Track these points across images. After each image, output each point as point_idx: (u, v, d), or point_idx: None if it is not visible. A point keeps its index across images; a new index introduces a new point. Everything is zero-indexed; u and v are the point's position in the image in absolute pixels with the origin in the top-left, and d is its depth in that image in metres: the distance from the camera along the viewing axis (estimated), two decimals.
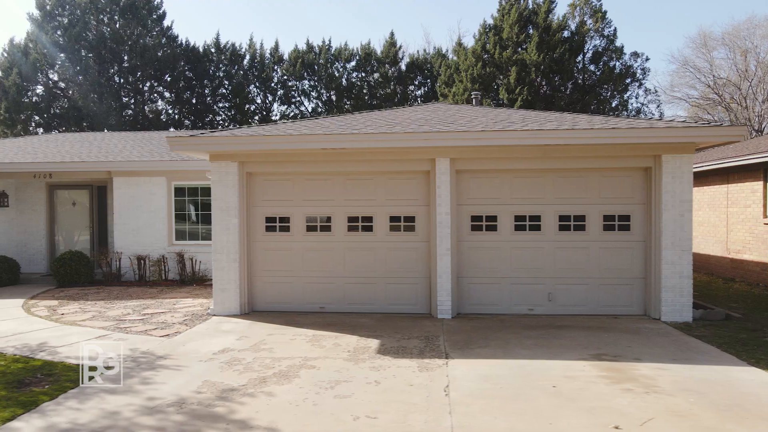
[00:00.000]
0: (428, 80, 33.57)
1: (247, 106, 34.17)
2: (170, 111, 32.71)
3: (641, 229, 8.77)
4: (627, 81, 25.65)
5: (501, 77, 25.36)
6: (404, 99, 33.90)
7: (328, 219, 9.29)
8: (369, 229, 9.24)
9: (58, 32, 28.29)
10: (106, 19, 29.96)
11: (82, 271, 12.79)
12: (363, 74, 33.47)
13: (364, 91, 32.97)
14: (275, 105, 34.89)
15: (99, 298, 10.96)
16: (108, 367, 6.16)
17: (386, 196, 9.16)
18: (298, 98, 34.14)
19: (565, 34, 25.74)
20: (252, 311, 9.23)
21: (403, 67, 33.35)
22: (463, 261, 9.00)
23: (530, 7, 26.78)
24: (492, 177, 8.99)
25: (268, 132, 8.83)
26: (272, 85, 34.08)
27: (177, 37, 33.25)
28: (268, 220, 9.36)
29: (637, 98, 26.13)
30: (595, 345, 6.93)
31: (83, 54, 28.46)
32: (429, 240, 9.06)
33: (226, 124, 34.32)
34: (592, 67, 26.03)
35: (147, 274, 13.07)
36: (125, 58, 29.89)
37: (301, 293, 9.30)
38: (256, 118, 34.59)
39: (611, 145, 8.42)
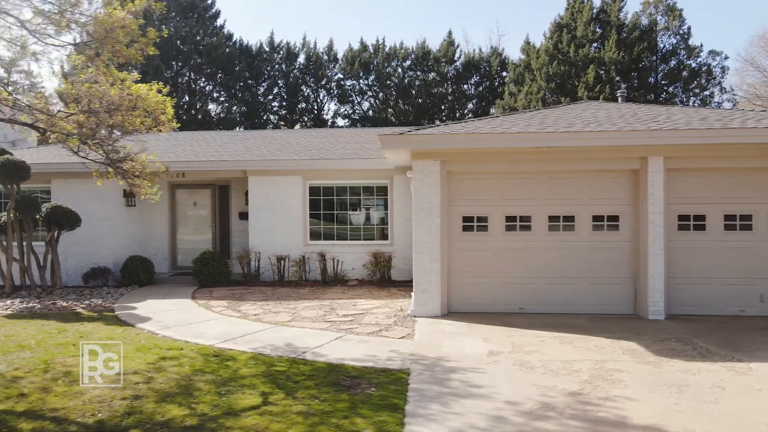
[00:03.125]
0: (485, 79, 33.39)
1: (303, 104, 34.09)
2: (231, 110, 32.55)
3: None
4: (701, 80, 25.41)
5: (575, 76, 25.17)
6: (460, 98, 33.74)
7: (528, 218, 9.14)
8: (570, 228, 9.08)
9: None
10: (169, 18, 29.91)
11: (223, 271, 12.67)
12: (419, 73, 33.28)
13: (422, 90, 32.76)
14: (330, 104, 34.86)
15: (260, 299, 10.82)
16: (404, 370, 6.02)
17: (589, 194, 9.00)
18: (355, 97, 34.00)
19: (637, 32, 25.53)
20: (449, 312, 9.08)
21: (460, 66, 33.16)
22: (671, 261, 8.83)
23: (598, 5, 26.64)
24: (701, 175, 8.82)
25: (483, 130, 8.68)
26: (328, 84, 33.98)
27: (232, 36, 33.27)
28: (465, 219, 9.21)
29: (712, 97, 25.91)
30: None
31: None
32: (635, 239, 8.90)
33: (282, 124, 34.25)
34: (665, 66, 25.81)
35: (287, 275, 12.94)
36: (189, 57, 29.84)
37: (500, 293, 9.14)
38: (310, 117, 34.52)
39: None
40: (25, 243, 11.66)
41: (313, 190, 13.39)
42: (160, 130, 8.57)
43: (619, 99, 13.09)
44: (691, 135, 8.24)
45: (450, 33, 32.97)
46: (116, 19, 6.53)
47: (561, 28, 26.32)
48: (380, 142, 8.58)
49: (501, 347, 6.94)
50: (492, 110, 31.81)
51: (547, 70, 25.12)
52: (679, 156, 8.62)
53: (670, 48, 25.78)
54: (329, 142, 14.94)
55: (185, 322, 8.71)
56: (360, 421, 4.57)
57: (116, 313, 9.51)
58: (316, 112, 34.81)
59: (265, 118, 34.17)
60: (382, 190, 13.25)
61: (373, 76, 33.34)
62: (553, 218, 9.10)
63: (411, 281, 12.59)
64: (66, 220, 11.77)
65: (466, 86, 34.00)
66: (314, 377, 5.78)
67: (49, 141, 7.61)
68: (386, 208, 13.21)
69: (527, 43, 28.07)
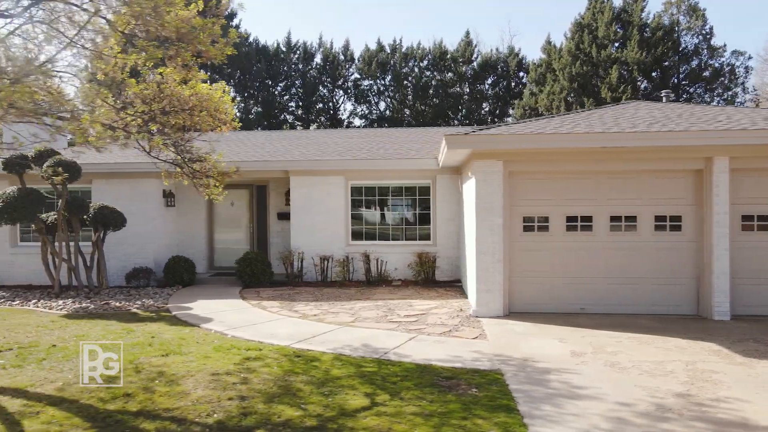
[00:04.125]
0: (502, 79, 33.33)
1: (319, 104, 34.08)
2: (249, 110, 32.58)
3: None
4: (724, 80, 25.36)
5: (597, 76, 25.14)
6: (478, 98, 33.69)
7: (589, 218, 9.11)
8: (632, 228, 9.06)
9: None
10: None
11: (266, 272, 12.65)
12: (436, 73, 33.23)
13: (439, 90, 32.73)
14: (347, 104, 34.87)
15: (311, 299, 10.78)
16: (496, 371, 6.00)
17: (651, 194, 8.98)
18: (372, 97, 33.98)
19: (660, 32, 25.50)
20: (510, 312, 9.05)
21: (476, 66, 33.10)
22: (734, 261, 8.79)
23: (619, 5, 26.59)
24: (763, 175, 8.79)
25: (547, 130, 8.66)
26: (345, 84, 33.97)
27: (249, 35, 33.31)
28: (526, 219, 9.19)
29: (735, 97, 25.86)
30: None
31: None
32: (697, 240, 8.88)
33: (299, 124, 34.24)
34: (687, 66, 25.78)
35: (330, 275, 12.92)
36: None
37: (560, 294, 9.12)
38: (326, 117, 34.50)
39: None
40: (72, 243, 11.67)
41: (355, 190, 13.38)
42: (222, 130, 8.57)
43: (664, 99, 13.06)
44: (760, 135, 8.21)
45: (468, 33, 32.92)
46: (193, 17, 6.52)
47: (582, 28, 26.28)
48: (446, 141, 8.56)
49: (581, 348, 6.91)
50: (510, 111, 31.80)
51: (570, 70, 25.09)
52: (743, 156, 8.59)
53: (693, 48, 25.74)
54: (366, 143, 14.92)
55: (249, 322, 8.69)
56: (482, 422, 4.55)
57: (174, 313, 9.49)
58: (332, 112, 34.81)
59: (281, 118, 34.15)
60: (425, 191, 13.22)
61: (389, 76, 33.31)
62: (614, 218, 9.08)
63: (455, 281, 12.61)
64: (113, 220, 11.77)
65: (482, 86, 33.95)
66: (408, 378, 5.76)
67: (120, 140, 7.56)
68: (429, 209, 13.18)
69: (548, 42, 28.04)
